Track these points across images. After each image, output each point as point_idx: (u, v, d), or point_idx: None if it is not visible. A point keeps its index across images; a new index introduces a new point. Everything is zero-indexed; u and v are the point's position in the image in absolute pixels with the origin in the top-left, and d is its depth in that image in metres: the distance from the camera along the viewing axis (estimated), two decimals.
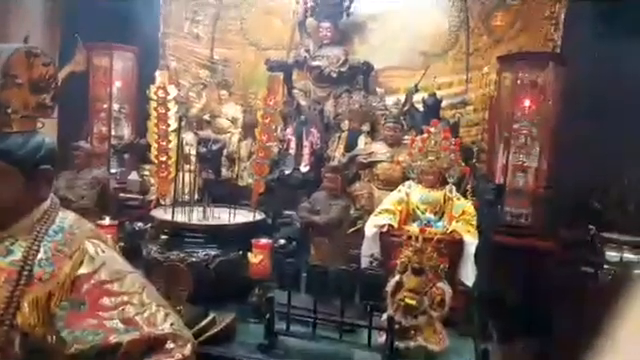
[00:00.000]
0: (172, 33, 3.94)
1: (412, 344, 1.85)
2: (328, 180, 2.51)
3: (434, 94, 3.09)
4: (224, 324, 1.93)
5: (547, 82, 2.97)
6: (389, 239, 2.26)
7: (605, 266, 2.67)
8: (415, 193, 2.44)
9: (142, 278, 1.16)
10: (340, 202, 2.46)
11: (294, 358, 1.87)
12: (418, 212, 2.41)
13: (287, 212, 2.84)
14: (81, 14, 3.43)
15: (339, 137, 3.17)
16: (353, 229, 2.51)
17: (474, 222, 2.28)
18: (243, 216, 2.56)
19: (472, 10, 3.33)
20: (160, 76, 2.79)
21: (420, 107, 3.09)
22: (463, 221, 2.27)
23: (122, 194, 3.28)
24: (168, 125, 2.70)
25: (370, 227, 2.32)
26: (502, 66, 3.11)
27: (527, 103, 2.99)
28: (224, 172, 3.33)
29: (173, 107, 2.74)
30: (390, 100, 3.26)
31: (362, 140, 3.10)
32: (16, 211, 1.11)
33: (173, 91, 2.76)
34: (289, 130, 3.14)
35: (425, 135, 2.47)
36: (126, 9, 3.46)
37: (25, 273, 1.05)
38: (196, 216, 2.50)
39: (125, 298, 1.07)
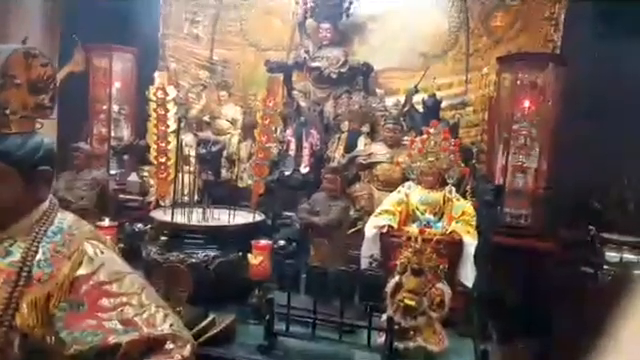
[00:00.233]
0: (172, 34, 3.94)
1: (411, 345, 1.85)
2: (328, 181, 2.51)
3: (434, 95, 3.09)
4: (224, 325, 1.93)
5: (547, 83, 2.96)
6: (389, 240, 2.26)
7: (605, 266, 2.66)
8: (415, 194, 2.44)
9: (141, 279, 1.16)
10: (340, 203, 2.45)
11: (294, 359, 1.87)
12: (418, 213, 2.41)
13: (287, 213, 2.85)
14: (81, 14, 3.43)
15: (339, 138, 3.17)
16: (353, 230, 2.51)
17: (474, 223, 2.28)
18: (243, 217, 2.56)
19: (472, 11, 3.33)
20: (159, 77, 2.77)
21: (420, 108, 3.09)
22: (463, 222, 2.27)
23: (122, 195, 3.28)
24: (167, 126, 2.70)
25: (370, 228, 2.32)
26: (502, 67, 3.10)
27: (527, 104, 2.98)
28: (224, 173, 3.33)
29: (172, 108, 2.73)
30: (390, 101, 3.26)
31: (362, 141, 3.10)
32: (15, 212, 1.11)
33: (172, 92, 2.75)
34: (289, 131, 3.15)
35: (425, 136, 2.47)
36: (126, 10, 3.47)
37: (24, 274, 1.05)
38: (196, 217, 2.50)
39: (124, 299, 1.07)
